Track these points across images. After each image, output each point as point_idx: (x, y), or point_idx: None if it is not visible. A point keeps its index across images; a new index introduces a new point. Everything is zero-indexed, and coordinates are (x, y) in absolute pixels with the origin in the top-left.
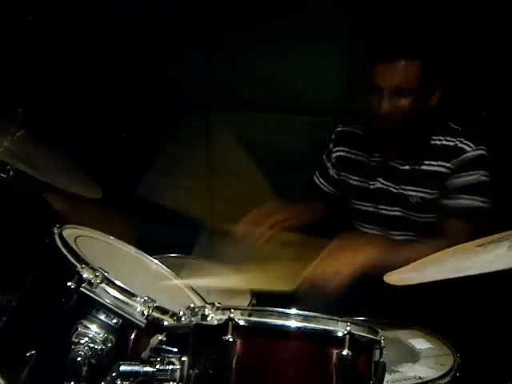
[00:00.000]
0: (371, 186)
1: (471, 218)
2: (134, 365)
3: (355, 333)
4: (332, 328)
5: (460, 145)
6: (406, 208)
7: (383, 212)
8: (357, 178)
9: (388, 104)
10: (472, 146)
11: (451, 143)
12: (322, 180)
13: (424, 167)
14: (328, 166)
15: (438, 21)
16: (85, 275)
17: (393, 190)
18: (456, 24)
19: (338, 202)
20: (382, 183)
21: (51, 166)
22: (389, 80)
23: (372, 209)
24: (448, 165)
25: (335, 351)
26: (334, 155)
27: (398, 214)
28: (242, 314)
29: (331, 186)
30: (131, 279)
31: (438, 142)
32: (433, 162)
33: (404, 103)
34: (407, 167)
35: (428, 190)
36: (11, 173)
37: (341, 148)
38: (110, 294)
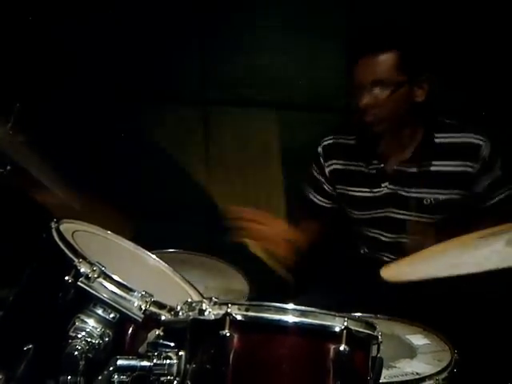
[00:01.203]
0: (377, 194)
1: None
2: (131, 359)
3: (352, 328)
4: (329, 323)
5: (472, 141)
6: (418, 210)
7: (392, 216)
8: (357, 189)
9: (367, 97)
10: (481, 138)
11: (459, 140)
12: (318, 196)
13: (435, 168)
14: (322, 180)
15: (434, 20)
16: (82, 269)
17: (403, 193)
18: (455, 23)
19: (337, 215)
20: (390, 188)
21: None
22: (368, 74)
23: (378, 215)
24: (472, 164)
25: (332, 346)
26: (328, 170)
27: (407, 217)
28: (239, 309)
29: (330, 200)
30: (129, 274)
31: (444, 140)
32: (446, 162)
33: (382, 95)
34: (415, 169)
35: (442, 191)
36: (8, 167)
37: (333, 161)
38: (107, 289)
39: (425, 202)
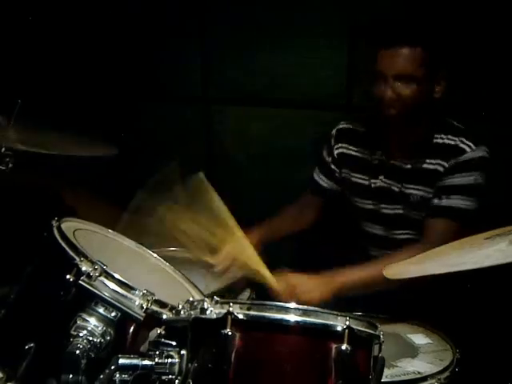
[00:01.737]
0: (372, 185)
1: (458, 218)
2: (133, 358)
3: (354, 327)
4: (331, 322)
5: (461, 145)
6: (408, 206)
7: (384, 210)
8: (358, 176)
9: (392, 91)
10: (472, 147)
11: (452, 142)
12: (322, 176)
13: (425, 166)
14: (329, 161)
15: (439, 13)
16: (83, 268)
17: (394, 188)
18: (458, 18)
19: (338, 199)
20: (384, 181)
21: (58, 139)
22: (392, 66)
23: (373, 207)
24: (445, 163)
25: (334, 346)
26: (336, 152)
27: (399, 212)
28: (240, 308)
29: (332, 181)
30: (130, 272)
31: (440, 141)
32: (432, 161)
33: (407, 91)
34: (409, 166)
35: (427, 189)
36: (10, 165)
37: (342, 145)
38: (108, 287)
39: (411, 198)
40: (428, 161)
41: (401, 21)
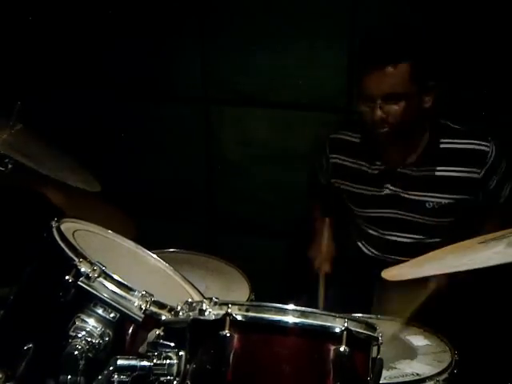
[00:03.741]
0: (377, 194)
1: None
2: (131, 359)
3: (353, 329)
4: (329, 324)
5: (477, 148)
6: (420, 213)
7: (392, 216)
8: (359, 186)
9: (381, 111)
10: (486, 144)
11: (464, 146)
12: (322, 178)
13: (439, 173)
14: (325, 166)
15: (431, 20)
16: (83, 269)
17: (404, 195)
18: (455, 23)
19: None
20: (391, 190)
21: (50, 159)
22: (380, 88)
23: (375, 214)
24: (477, 170)
25: (332, 347)
26: (331, 161)
27: (408, 218)
28: (239, 309)
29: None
30: (129, 273)
31: (449, 146)
32: (451, 168)
33: (397, 109)
34: (419, 173)
35: (445, 195)
36: (9, 166)
37: (336, 156)
38: (107, 288)
39: (427, 205)
40: (442, 168)
41: (381, 40)
